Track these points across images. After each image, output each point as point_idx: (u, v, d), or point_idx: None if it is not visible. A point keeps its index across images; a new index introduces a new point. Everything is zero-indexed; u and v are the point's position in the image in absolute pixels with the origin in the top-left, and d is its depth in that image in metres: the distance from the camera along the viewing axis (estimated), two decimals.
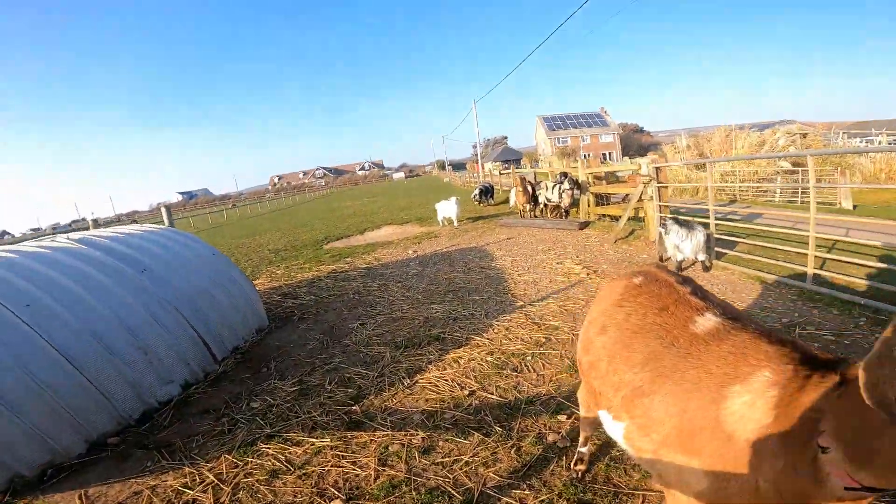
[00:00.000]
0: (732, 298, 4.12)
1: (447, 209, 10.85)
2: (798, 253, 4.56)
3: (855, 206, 10.78)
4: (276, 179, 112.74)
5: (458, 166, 70.71)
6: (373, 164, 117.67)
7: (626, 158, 34.37)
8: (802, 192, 12.94)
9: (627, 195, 8.00)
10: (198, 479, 2.44)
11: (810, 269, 4.06)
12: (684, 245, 4.69)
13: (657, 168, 6.37)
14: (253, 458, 2.58)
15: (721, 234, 6.10)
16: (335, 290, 5.97)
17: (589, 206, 9.07)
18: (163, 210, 6.14)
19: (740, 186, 13.08)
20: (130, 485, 2.48)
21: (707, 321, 1.25)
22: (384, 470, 2.34)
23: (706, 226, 5.02)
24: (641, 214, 7.22)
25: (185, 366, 3.58)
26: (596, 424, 1.78)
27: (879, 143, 23.39)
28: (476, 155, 40.13)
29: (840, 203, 11.22)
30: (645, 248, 6.35)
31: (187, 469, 2.55)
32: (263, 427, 2.88)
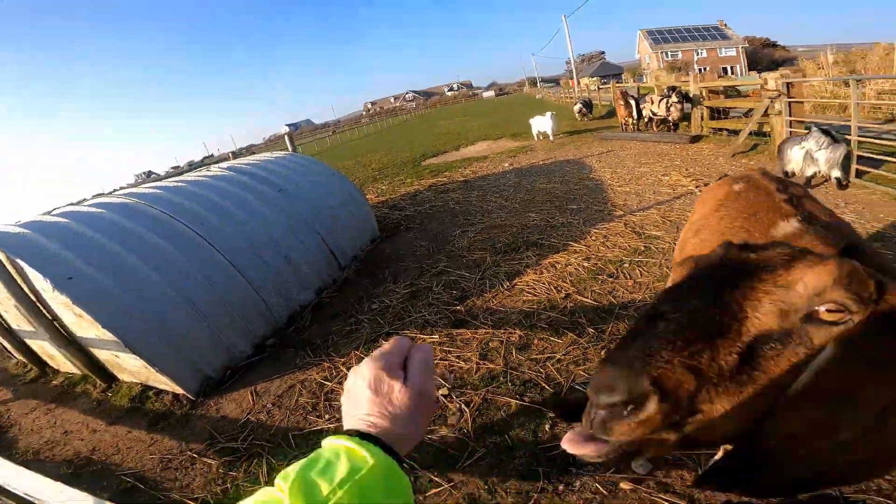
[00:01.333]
0: (868, 217, 3.71)
1: (542, 124, 10.53)
2: None
3: None
4: (369, 106, 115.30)
5: (552, 83, 66.06)
6: (461, 84, 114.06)
7: (754, 73, 29.73)
8: None
9: (751, 110, 7.16)
10: (334, 373, 2.85)
11: None
12: (819, 154, 4.20)
13: (788, 83, 5.61)
14: None
15: (867, 152, 5.34)
16: (436, 202, 6.29)
17: (703, 119, 8.26)
18: (286, 139, 6.75)
19: None
20: (286, 380, 2.90)
21: (788, 226, 1.23)
22: (484, 363, 2.58)
23: (848, 143, 4.42)
24: (766, 129, 6.46)
25: (317, 274, 4.02)
26: None
27: None
28: (570, 71, 37.10)
29: None
30: (767, 162, 5.76)
31: (326, 364, 2.96)
32: (382, 326, 3.27)
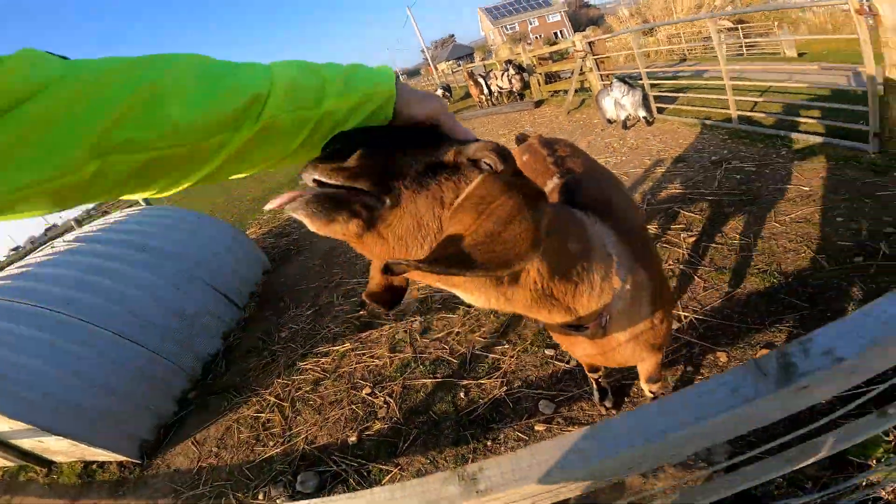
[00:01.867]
0: (671, 144, 4.53)
1: None
2: (737, 100, 4.90)
3: (802, 54, 11.03)
4: None
5: (413, 73, 67.04)
6: None
7: (587, 31, 33.31)
8: (747, 47, 13.05)
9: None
10: (265, 403, 2.91)
11: (733, 112, 4.44)
12: (625, 101, 4.98)
13: (590, 42, 6.52)
14: (297, 375, 3.05)
15: (664, 91, 6.39)
16: None
17: (540, 85, 9.21)
18: (138, 196, 6.05)
19: (687, 47, 13.06)
20: (221, 424, 2.91)
21: (552, 183, 1.40)
22: (396, 355, 2.82)
23: (643, 87, 5.29)
24: (587, 84, 7.41)
25: (217, 320, 3.92)
26: None
27: None
28: (426, 59, 38.07)
29: (784, 52, 11.47)
30: (595, 113, 6.61)
31: (254, 399, 2.99)
32: (296, 350, 3.33)
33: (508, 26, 51.31)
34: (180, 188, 0.55)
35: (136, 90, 0.42)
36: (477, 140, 0.65)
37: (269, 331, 3.77)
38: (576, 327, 0.93)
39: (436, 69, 29.31)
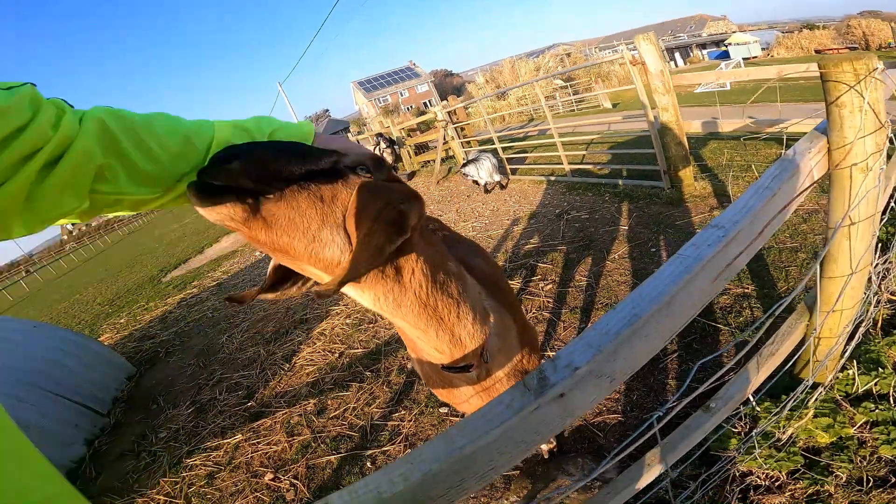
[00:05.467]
0: (524, 203, 5.18)
1: None
2: (568, 155, 5.80)
3: (616, 104, 13.40)
4: (69, 226, 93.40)
5: None
6: None
7: (446, 101, 36.39)
8: (577, 102, 15.48)
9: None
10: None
11: (566, 167, 5.27)
12: (481, 174, 5.61)
13: (449, 112, 7.24)
14: (186, 472, 2.79)
15: (515, 154, 7.29)
16: (192, 316, 5.78)
17: (411, 157, 9.81)
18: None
19: (533, 108, 15.08)
20: None
21: None
22: (294, 439, 2.73)
23: (495, 152, 6.02)
24: (452, 153, 8.14)
25: (75, 428, 3.57)
26: None
27: (622, 51, 28.39)
28: None
29: (601, 104, 13.81)
30: (461, 181, 7.28)
31: (139, 500, 2.69)
32: (181, 447, 3.05)
33: (381, 98, 54.14)
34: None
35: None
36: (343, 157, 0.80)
37: (145, 433, 3.45)
38: (462, 368, 1.03)
39: None
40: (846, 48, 23.14)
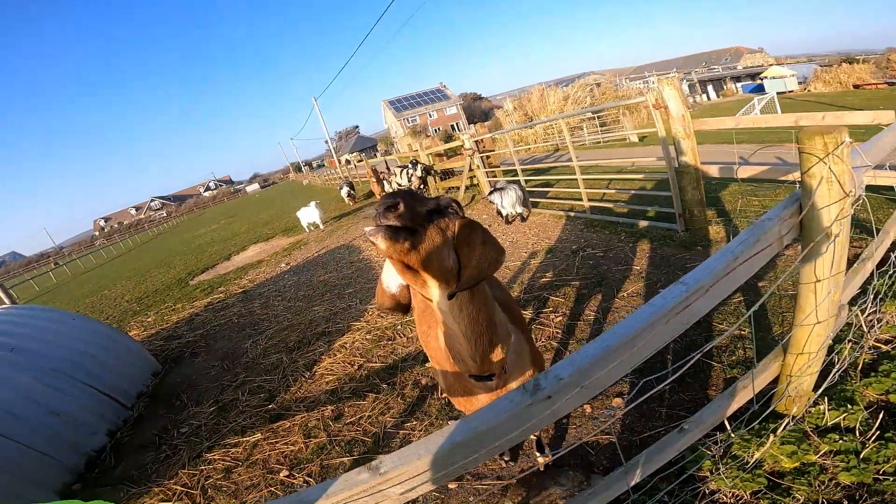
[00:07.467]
0: (543, 237, 5.39)
1: (309, 215, 11.03)
2: (588, 192, 6.01)
3: (643, 138, 13.57)
4: (102, 223, 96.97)
5: (319, 164, 68.47)
6: (218, 181, 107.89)
7: (472, 126, 37.22)
8: (603, 133, 15.75)
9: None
10: (170, 493, 2.84)
11: (586, 203, 5.48)
12: (505, 203, 5.86)
13: (476, 141, 7.54)
14: (205, 465, 3.02)
15: (536, 186, 7.53)
16: (217, 321, 6.09)
17: (436, 182, 10.11)
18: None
19: (559, 138, 15.40)
20: None
21: None
22: (310, 441, 2.95)
23: (520, 183, 6.26)
24: (476, 181, 8.42)
25: (100, 417, 3.82)
26: None
27: (653, 83, 28.69)
28: (330, 150, 39.64)
29: (629, 138, 14.02)
30: (485, 209, 7.54)
31: (156, 489, 2.90)
32: (201, 442, 3.28)
33: (410, 119, 55.36)
34: None
35: None
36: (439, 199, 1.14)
37: (167, 427, 3.69)
38: (487, 377, 1.30)
39: (339, 161, 30.62)
40: (885, 83, 22.53)
